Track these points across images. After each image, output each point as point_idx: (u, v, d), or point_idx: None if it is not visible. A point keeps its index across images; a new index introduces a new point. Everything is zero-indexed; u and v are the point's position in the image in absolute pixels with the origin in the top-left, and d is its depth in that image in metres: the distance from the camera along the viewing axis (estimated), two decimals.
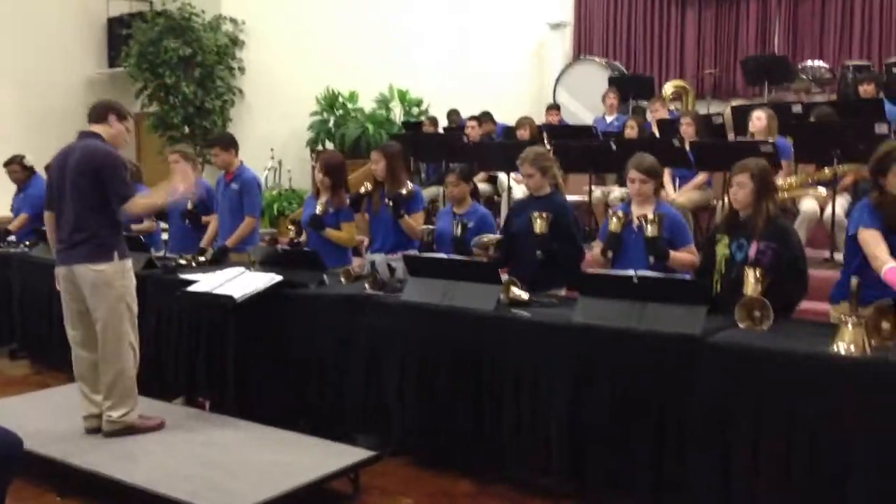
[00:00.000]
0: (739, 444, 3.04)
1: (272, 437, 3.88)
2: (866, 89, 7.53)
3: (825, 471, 2.85)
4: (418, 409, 3.90)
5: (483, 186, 7.92)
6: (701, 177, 6.71)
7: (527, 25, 11.05)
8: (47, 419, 4.12)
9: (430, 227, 4.85)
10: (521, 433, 3.59)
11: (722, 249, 3.82)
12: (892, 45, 8.43)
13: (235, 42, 10.34)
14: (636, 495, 3.34)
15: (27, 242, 6.25)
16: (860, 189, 6.19)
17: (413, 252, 4.81)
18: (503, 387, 3.65)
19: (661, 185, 4.27)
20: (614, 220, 4.12)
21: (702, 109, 9.23)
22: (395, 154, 5.13)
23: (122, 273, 3.95)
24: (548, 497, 3.57)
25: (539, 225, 4.27)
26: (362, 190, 5.17)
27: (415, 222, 5.01)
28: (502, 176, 7.68)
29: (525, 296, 3.92)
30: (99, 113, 4.05)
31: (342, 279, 4.58)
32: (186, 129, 9.99)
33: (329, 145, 10.13)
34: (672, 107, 9.26)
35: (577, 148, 7.19)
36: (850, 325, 2.95)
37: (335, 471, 3.51)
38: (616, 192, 7.11)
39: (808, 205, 5.85)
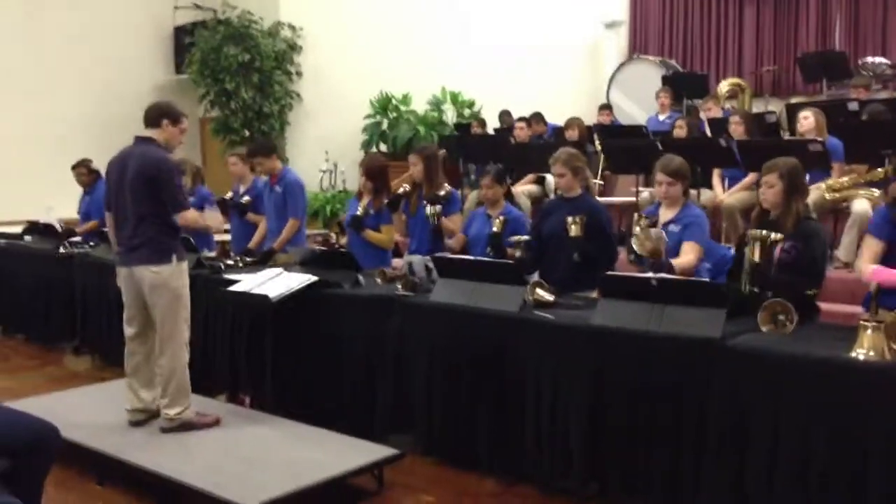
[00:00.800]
0: (756, 449, 3.01)
1: (301, 434, 4.00)
2: None
3: (842, 477, 2.80)
4: (443, 409, 3.96)
5: (531, 188, 7.95)
6: (750, 177, 6.57)
7: (581, 25, 10.99)
8: (95, 411, 4.34)
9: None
10: (542, 434, 3.61)
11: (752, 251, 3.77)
12: None
13: (293, 48, 10.59)
14: (654, 498, 3.33)
15: (91, 244, 6.56)
16: None
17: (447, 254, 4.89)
18: (525, 388, 3.68)
19: (689, 187, 4.23)
20: (638, 226, 4.09)
21: (759, 107, 9.04)
22: (432, 156, 5.22)
23: (179, 274, 4.12)
24: (570, 498, 3.59)
25: (574, 229, 4.26)
26: (401, 191, 5.27)
27: (452, 224, 5.08)
28: (549, 177, 7.66)
29: (550, 297, 3.94)
30: (153, 118, 4.18)
31: (378, 280, 4.68)
32: (247, 133, 10.30)
33: (382, 147, 10.30)
34: (728, 105, 9.09)
35: (624, 148, 7.14)
36: (869, 330, 2.88)
37: (357, 467, 3.60)
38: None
39: (859, 205, 5.68)
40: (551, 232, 4.47)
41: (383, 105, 10.24)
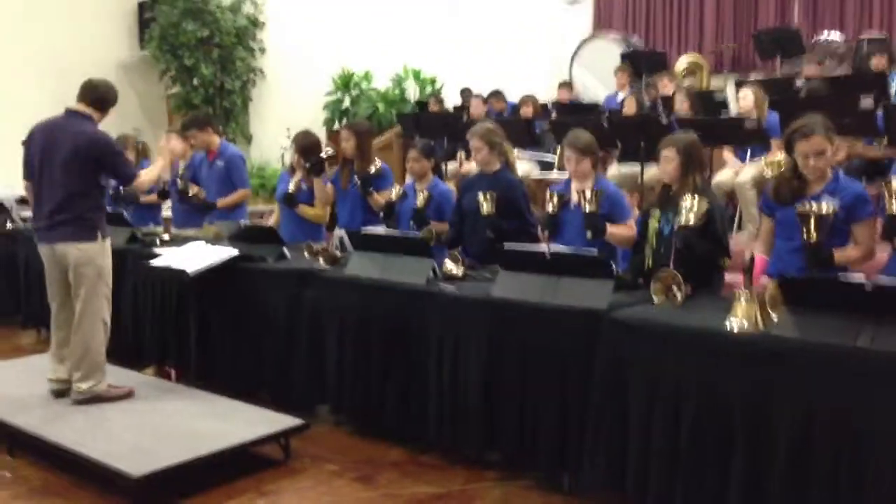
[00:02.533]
0: (635, 419, 3.06)
1: (213, 406, 4.05)
2: (878, 63, 7.24)
3: (710, 445, 2.84)
4: (354, 380, 4.00)
5: None
6: None
7: (544, 1, 10.93)
8: (16, 384, 4.39)
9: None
10: (444, 404, 3.66)
11: (653, 224, 3.82)
12: None
13: (256, 23, 10.55)
14: (544, 465, 3.39)
15: None
16: (852, 165, 6.02)
17: (381, 228, 4.93)
18: (428, 359, 3.73)
19: (598, 161, 4.25)
20: (551, 203, 4.13)
21: (718, 84, 9.01)
22: (363, 132, 5.24)
23: (103, 251, 4.14)
24: (472, 467, 3.64)
25: (486, 206, 4.30)
26: (323, 154, 5.28)
27: (383, 199, 5.10)
28: None
29: (459, 271, 3.98)
30: (98, 98, 4.15)
31: (305, 254, 4.71)
32: (210, 110, 10.28)
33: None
34: (687, 82, 9.07)
35: (572, 125, 7.13)
36: (743, 301, 2.93)
37: (258, 437, 3.66)
38: (612, 169, 7.07)
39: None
40: (469, 207, 4.50)
41: (345, 82, 10.22)
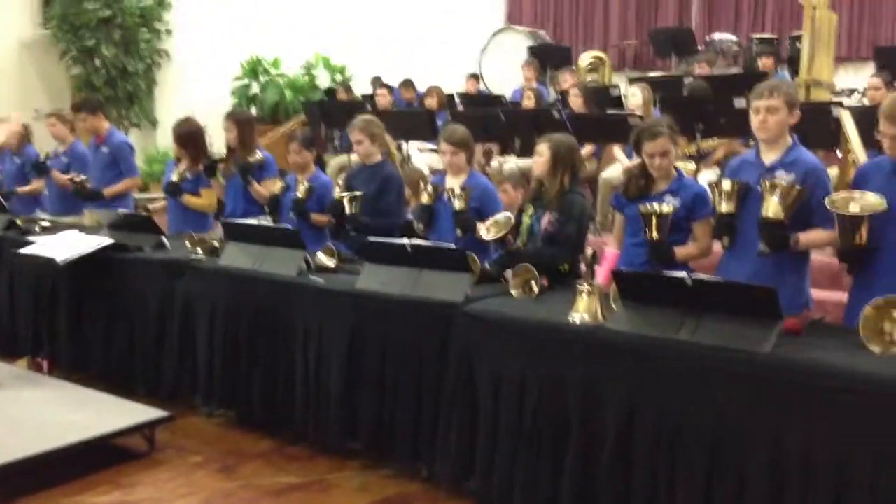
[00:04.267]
0: (482, 410, 3.15)
1: (76, 397, 3.98)
2: (765, 63, 7.57)
3: (548, 435, 2.95)
4: (224, 371, 3.99)
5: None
6: (587, 148, 6.77)
7: None
8: None
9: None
10: (309, 395, 3.70)
11: (526, 219, 3.91)
12: (799, 19, 8.45)
13: (162, 4, 10.30)
14: (399, 455, 3.46)
15: None
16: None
17: (264, 219, 4.92)
18: (295, 350, 3.75)
19: (472, 156, 4.34)
20: (426, 192, 4.19)
21: (621, 81, 9.25)
22: (245, 121, 5.20)
23: None
24: (336, 457, 3.68)
25: (349, 207, 4.32)
26: (216, 156, 5.24)
27: (265, 190, 5.08)
28: (411, 143, 7.72)
29: (331, 262, 4.01)
30: None
31: (187, 244, 4.66)
32: (111, 92, 10.00)
33: (253, 111, 10.15)
34: (589, 78, 9.28)
35: (470, 117, 7.24)
36: (584, 295, 3.04)
37: (120, 429, 3.63)
38: (511, 162, 7.19)
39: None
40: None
41: (253, 68, 10.08)
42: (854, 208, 2.94)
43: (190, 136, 5.22)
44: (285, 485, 3.45)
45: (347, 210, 4.29)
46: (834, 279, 4.43)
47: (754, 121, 3.23)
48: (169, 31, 10.37)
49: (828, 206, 2.96)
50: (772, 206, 3.04)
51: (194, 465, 3.66)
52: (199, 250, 4.40)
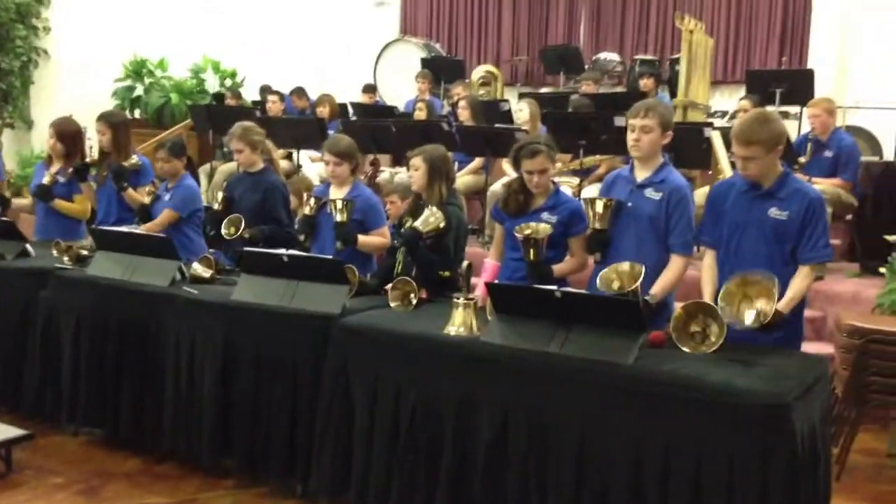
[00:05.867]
0: (358, 424, 3.11)
1: None
2: (646, 83, 7.86)
3: (423, 447, 2.94)
4: (90, 387, 3.80)
5: (283, 164, 7.83)
6: (476, 161, 6.85)
7: (352, 2, 10.95)
8: None
9: None
10: (179, 411, 3.56)
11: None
12: (680, 42, 8.86)
13: (40, 0, 9.82)
14: (274, 472, 3.38)
15: None
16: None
17: (133, 226, 4.73)
18: (165, 365, 3.61)
19: (357, 167, 4.31)
20: (308, 204, 4.13)
21: (512, 96, 9.41)
22: (119, 124, 4.98)
23: None
24: (209, 476, 3.55)
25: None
26: (88, 159, 5.02)
27: (140, 196, 4.88)
28: (302, 153, 7.61)
29: (207, 273, 3.89)
30: None
31: (54, 251, 4.43)
32: None
33: (137, 114, 9.79)
34: (482, 91, 9.40)
35: (363, 128, 7.21)
36: (460, 308, 3.05)
37: None
38: (403, 174, 7.18)
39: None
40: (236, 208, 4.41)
41: (137, 69, 9.71)
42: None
43: (72, 135, 4.98)
44: None
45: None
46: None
47: (629, 138, 3.34)
48: (47, 29, 9.89)
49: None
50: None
51: (54, 487, 3.46)
52: (66, 259, 4.19)
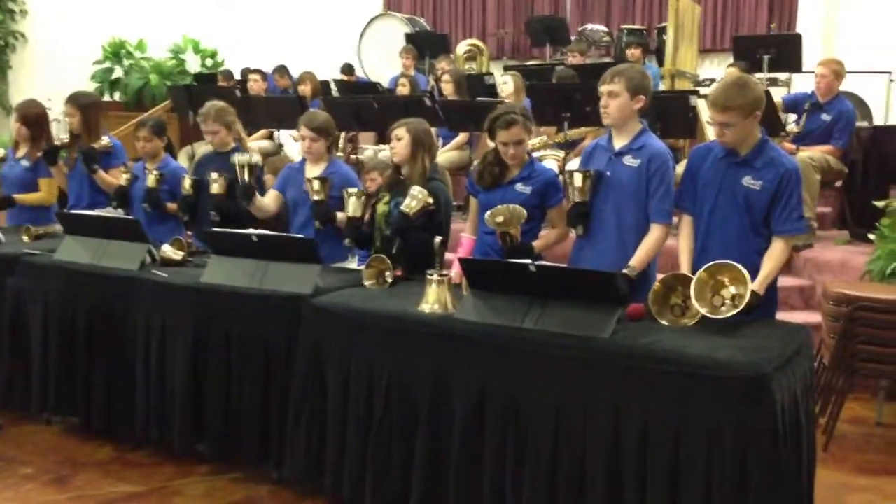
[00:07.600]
0: (331, 405, 3.02)
1: None
2: (633, 53, 7.71)
3: (397, 427, 2.86)
4: (60, 374, 3.70)
5: (263, 143, 7.70)
6: (461, 137, 6.72)
7: None
8: None
9: None
10: (151, 398, 3.47)
11: (382, 207, 3.79)
12: (667, 11, 8.71)
13: None
14: (249, 457, 3.29)
15: None
16: None
17: (109, 209, 4.63)
18: (136, 350, 3.51)
19: (334, 143, 4.19)
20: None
21: (498, 69, 9.26)
22: (90, 105, 4.86)
23: None
24: (182, 462, 3.47)
25: (215, 186, 4.10)
26: (58, 142, 4.90)
27: (113, 178, 4.76)
28: (283, 132, 7.47)
29: (178, 256, 3.78)
30: None
31: (24, 237, 4.34)
32: None
33: (116, 96, 9.64)
34: (467, 66, 9.25)
35: (345, 105, 7.07)
36: (434, 285, 2.96)
37: None
38: (387, 151, 7.05)
39: (547, 167, 5.93)
40: (203, 186, 4.29)
41: (115, 51, 9.54)
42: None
43: (38, 119, 4.87)
44: (121, 494, 3.22)
45: (213, 190, 4.00)
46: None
47: (600, 106, 3.23)
48: (24, 13, 9.71)
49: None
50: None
51: (24, 477, 3.37)
52: (36, 244, 4.09)
